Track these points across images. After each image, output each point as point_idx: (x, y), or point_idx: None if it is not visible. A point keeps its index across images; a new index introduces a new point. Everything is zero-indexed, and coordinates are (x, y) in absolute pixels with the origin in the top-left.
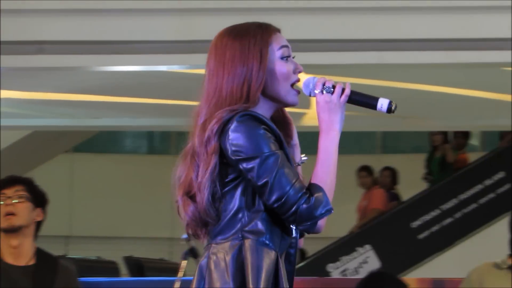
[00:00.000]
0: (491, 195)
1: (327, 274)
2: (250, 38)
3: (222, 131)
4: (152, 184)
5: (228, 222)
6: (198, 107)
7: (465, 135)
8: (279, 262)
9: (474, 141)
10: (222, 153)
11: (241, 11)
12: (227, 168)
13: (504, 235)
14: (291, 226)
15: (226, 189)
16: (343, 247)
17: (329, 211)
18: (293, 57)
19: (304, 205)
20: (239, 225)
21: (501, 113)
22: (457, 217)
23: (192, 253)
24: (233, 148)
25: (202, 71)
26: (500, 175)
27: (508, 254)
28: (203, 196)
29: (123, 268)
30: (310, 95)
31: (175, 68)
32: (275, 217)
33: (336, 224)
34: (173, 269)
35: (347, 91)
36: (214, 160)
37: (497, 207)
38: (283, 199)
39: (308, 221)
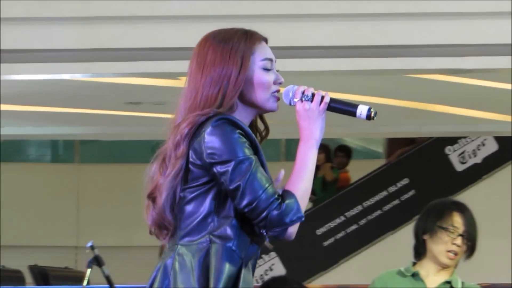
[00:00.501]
0: (396, 202)
1: None
2: (234, 44)
3: (194, 135)
4: (57, 193)
5: (197, 225)
6: (177, 108)
7: (347, 154)
8: (241, 269)
9: (378, 148)
10: (195, 155)
11: (143, 19)
12: (199, 171)
13: (408, 241)
14: (263, 232)
15: (197, 192)
16: None
17: (299, 218)
18: (277, 71)
19: (275, 211)
20: (208, 229)
21: (404, 120)
22: (362, 224)
23: (97, 262)
24: (208, 151)
25: (105, 79)
26: (404, 181)
27: (412, 261)
28: (161, 199)
29: (28, 277)
30: (290, 104)
31: (78, 77)
32: (245, 224)
33: None
34: (78, 277)
35: (326, 99)
36: (179, 164)
37: (401, 214)
38: (254, 204)
39: (278, 227)
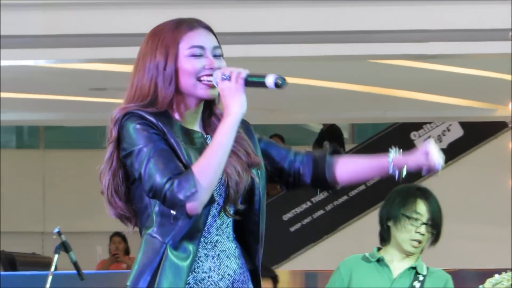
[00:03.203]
0: (362, 187)
1: None
2: (161, 35)
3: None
4: (22, 178)
5: (141, 219)
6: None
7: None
8: (164, 254)
9: (344, 134)
10: None
11: (108, 5)
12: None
13: (375, 226)
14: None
15: (135, 187)
16: None
17: (193, 194)
18: (218, 55)
19: (169, 191)
20: (145, 221)
21: (369, 105)
22: (328, 210)
23: (64, 247)
24: (121, 147)
25: (69, 65)
26: None
27: (377, 247)
28: (103, 186)
29: None
30: (217, 87)
31: (42, 63)
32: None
33: None
34: (45, 263)
35: (242, 75)
36: (110, 150)
37: (367, 199)
38: (153, 188)
39: (176, 206)
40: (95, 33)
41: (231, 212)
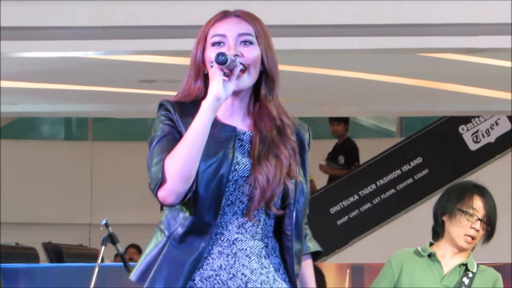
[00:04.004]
0: (409, 181)
1: None
2: (201, 30)
3: None
4: (70, 170)
5: None
6: None
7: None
8: (165, 248)
9: (390, 127)
10: None
11: None
12: None
13: (422, 220)
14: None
15: None
16: None
17: (160, 181)
18: (245, 41)
19: (149, 181)
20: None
21: (418, 99)
22: (376, 203)
23: (111, 239)
24: None
25: (118, 57)
26: (418, 160)
27: (429, 242)
28: None
29: (42, 254)
30: None
31: (91, 54)
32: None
33: None
34: (92, 255)
35: (213, 58)
36: None
37: (415, 193)
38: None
39: (155, 196)
40: (145, 25)
41: (255, 213)
